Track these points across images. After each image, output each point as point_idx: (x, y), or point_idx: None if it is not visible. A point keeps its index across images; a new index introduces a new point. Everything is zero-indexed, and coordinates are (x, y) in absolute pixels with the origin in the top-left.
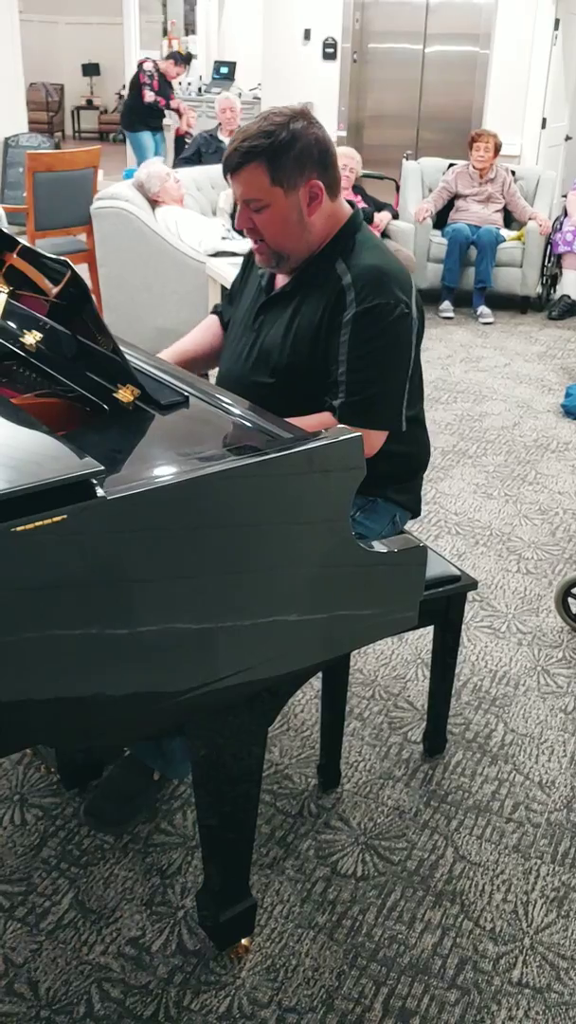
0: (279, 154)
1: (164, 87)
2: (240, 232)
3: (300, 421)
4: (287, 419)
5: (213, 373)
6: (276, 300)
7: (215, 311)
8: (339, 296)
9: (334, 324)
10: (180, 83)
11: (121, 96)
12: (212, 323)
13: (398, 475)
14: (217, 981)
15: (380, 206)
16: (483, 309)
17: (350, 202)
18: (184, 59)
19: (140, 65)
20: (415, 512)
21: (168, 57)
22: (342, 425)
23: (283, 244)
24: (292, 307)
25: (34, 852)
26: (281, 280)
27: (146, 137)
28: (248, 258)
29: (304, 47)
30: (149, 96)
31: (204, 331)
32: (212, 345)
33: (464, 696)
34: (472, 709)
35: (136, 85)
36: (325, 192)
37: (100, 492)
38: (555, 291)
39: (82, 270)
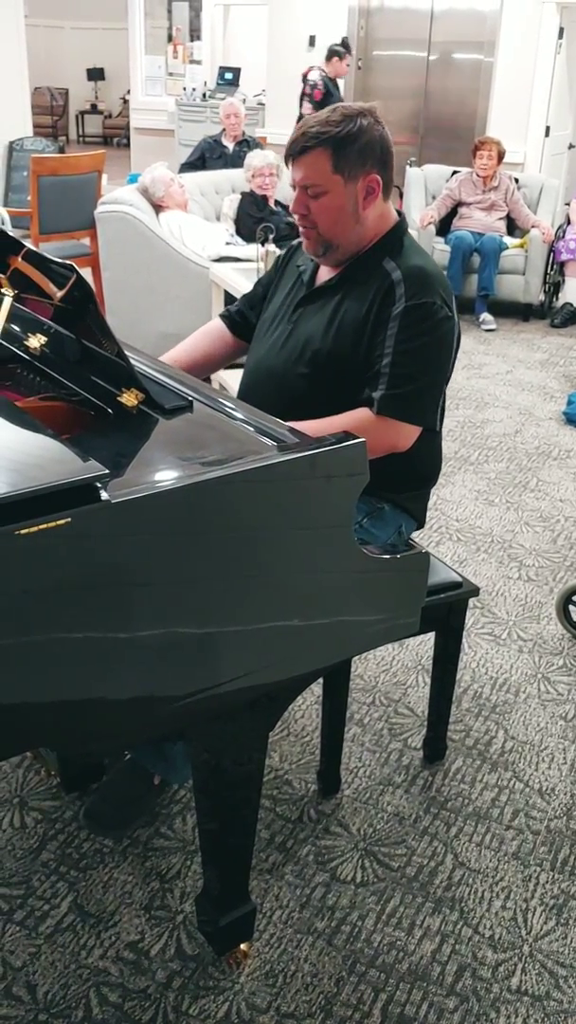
0: (345, 143)
1: (328, 96)
2: (243, 237)
3: (335, 420)
4: (324, 418)
5: (227, 376)
6: (319, 293)
7: (224, 315)
8: (389, 290)
9: (382, 317)
10: (185, 88)
11: (126, 101)
12: (213, 328)
13: (411, 481)
14: (216, 986)
15: None
16: (486, 316)
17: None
18: (344, 47)
19: (304, 77)
20: (420, 523)
21: (329, 56)
22: (380, 416)
23: (334, 233)
24: (336, 300)
25: (33, 855)
26: (324, 275)
27: None
28: (283, 257)
29: (309, 53)
30: (307, 108)
31: (202, 338)
32: (208, 353)
33: (464, 703)
34: (472, 716)
35: (300, 99)
36: (381, 188)
37: (104, 496)
38: (558, 299)
39: (86, 274)
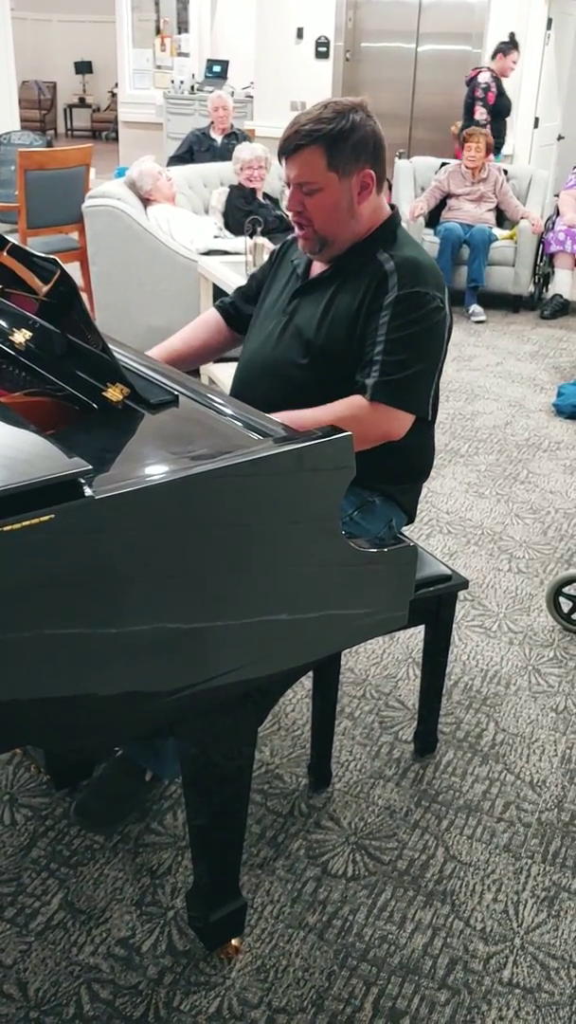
0: (338, 140)
1: (500, 98)
2: (232, 230)
3: (329, 408)
4: (320, 406)
5: (218, 370)
6: (314, 285)
7: (219, 306)
8: (382, 280)
9: (374, 306)
10: (173, 81)
11: (114, 94)
12: (210, 319)
13: (403, 474)
14: (207, 982)
15: None
16: (475, 308)
17: (391, 204)
18: (511, 42)
19: (473, 80)
20: (411, 518)
21: (495, 53)
22: (373, 403)
23: (330, 229)
24: (330, 292)
25: (24, 852)
26: (318, 267)
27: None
28: (278, 251)
29: (297, 46)
30: (480, 113)
31: (198, 327)
32: (205, 342)
33: (455, 695)
34: (463, 708)
35: (469, 104)
36: (375, 183)
37: (88, 491)
38: (547, 290)
39: (74, 268)
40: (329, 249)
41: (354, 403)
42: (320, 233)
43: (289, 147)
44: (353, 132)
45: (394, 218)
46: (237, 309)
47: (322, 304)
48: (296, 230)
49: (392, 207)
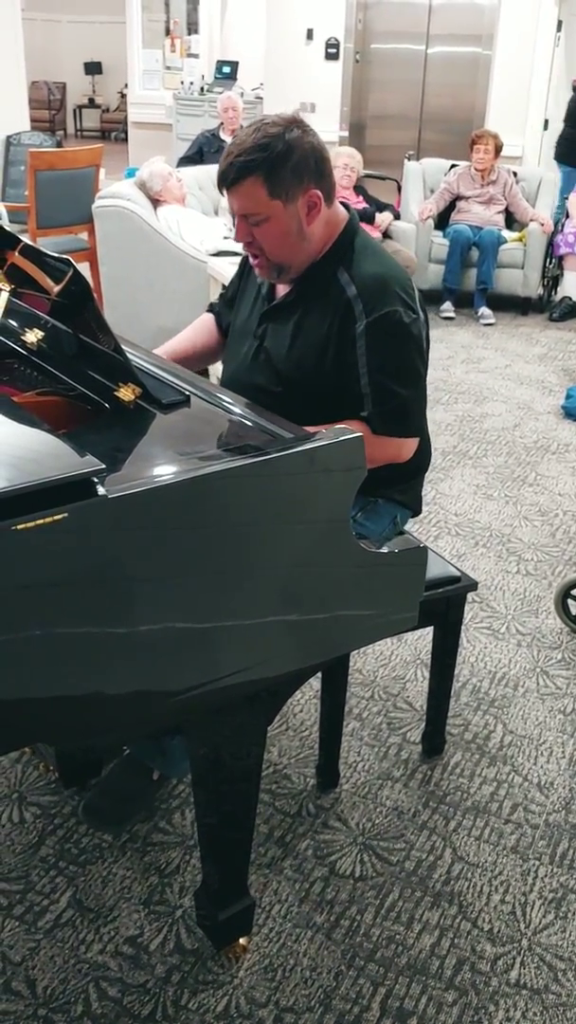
0: (276, 167)
1: None
2: None
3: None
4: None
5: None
6: (278, 309)
7: (211, 310)
8: (346, 309)
9: (345, 337)
10: (183, 82)
11: (123, 95)
12: (207, 322)
13: (401, 476)
14: (215, 980)
15: (382, 206)
16: (484, 310)
17: (344, 204)
18: None
19: None
20: (416, 511)
21: None
22: (376, 435)
23: (283, 256)
24: (295, 319)
25: (32, 850)
26: (282, 289)
27: None
28: (244, 262)
29: (307, 47)
30: None
31: (197, 330)
32: (206, 344)
33: (463, 697)
34: (471, 710)
35: (572, 109)
36: (323, 200)
37: (101, 491)
38: (556, 293)
39: (83, 269)
40: (287, 273)
41: (359, 431)
42: (274, 261)
43: (227, 180)
44: (291, 154)
45: (350, 225)
46: (223, 317)
47: (289, 332)
48: (251, 260)
49: (347, 208)
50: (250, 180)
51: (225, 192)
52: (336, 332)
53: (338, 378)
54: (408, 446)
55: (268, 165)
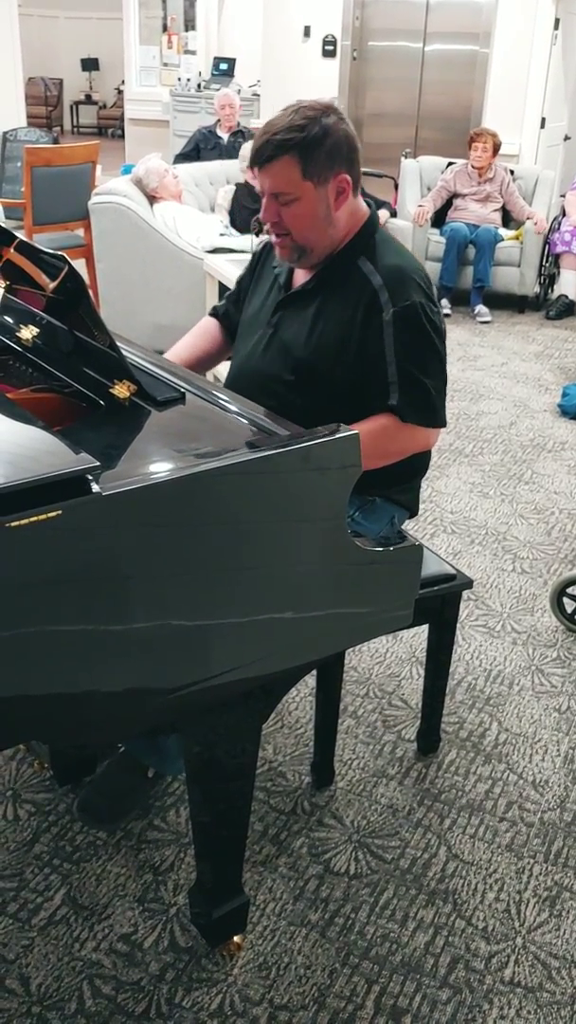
0: (312, 148)
1: None
2: (238, 228)
3: (360, 426)
4: (353, 424)
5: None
6: (297, 297)
7: (213, 313)
8: (372, 297)
9: (369, 326)
10: (179, 79)
11: (120, 91)
12: (208, 326)
13: (400, 475)
14: (209, 978)
15: (378, 204)
16: (481, 308)
17: (367, 202)
18: None
19: None
20: (413, 512)
21: None
22: (405, 423)
23: (308, 239)
24: (315, 306)
25: (26, 848)
26: (300, 277)
27: None
28: (258, 256)
29: (304, 44)
30: None
31: (199, 335)
32: (207, 350)
33: (458, 695)
34: (466, 708)
35: None
36: (351, 187)
37: (95, 488)
38: (553, 291)
39: (80, 265)
40: (308, 257)
41: (385, 423)
42: (298, 242)
43: (262, 157)
44: (327, 137)
45: (372, 219)
46: (229, 316)
47: (308, 320)
48: (273, 239)
49: (369, 204)
50: (285, 159)
51: (257, 170)
52: (360, 320)
53: (357, 367)
54: (434, 436)
55: (304, 146)
